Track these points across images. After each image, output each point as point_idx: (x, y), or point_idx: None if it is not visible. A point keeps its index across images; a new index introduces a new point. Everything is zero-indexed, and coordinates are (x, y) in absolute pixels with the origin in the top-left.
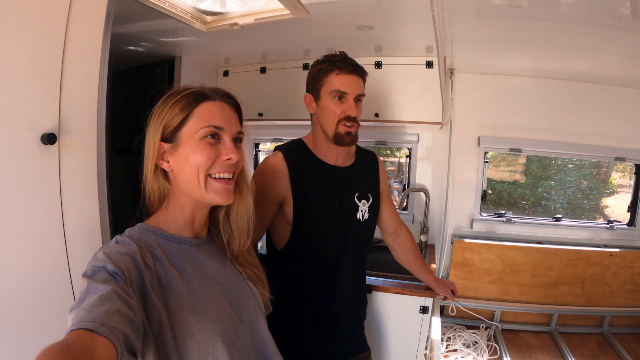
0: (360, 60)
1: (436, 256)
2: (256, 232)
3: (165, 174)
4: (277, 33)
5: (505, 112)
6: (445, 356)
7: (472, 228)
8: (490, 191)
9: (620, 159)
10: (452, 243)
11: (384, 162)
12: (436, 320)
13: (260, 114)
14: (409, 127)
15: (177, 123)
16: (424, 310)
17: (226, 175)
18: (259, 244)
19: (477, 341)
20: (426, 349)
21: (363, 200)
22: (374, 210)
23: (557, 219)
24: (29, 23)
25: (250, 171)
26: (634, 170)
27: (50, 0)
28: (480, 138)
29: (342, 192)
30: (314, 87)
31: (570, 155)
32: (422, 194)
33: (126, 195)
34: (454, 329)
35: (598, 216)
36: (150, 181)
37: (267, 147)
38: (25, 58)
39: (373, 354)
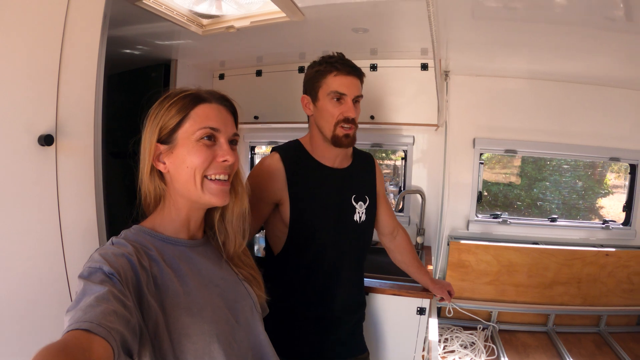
0: (355, 63)
1: (432, 258)
2: (249, 230)
3: (161, 175)
4: (272, 36)
5: (500, 114)
6: (443, 357)
7: (468, 229)
8: (485, 193)
9: (615, 159)
10: (448, 244)
11: (380, 165)
12: (433, 322)
13: (256, 117)
14: (405, 129)
15: (173, 125)
16: (421, 311)
17: (222, 177)
18: (255, 247)
19: (475, 342)
20: (424, 350)
21: (360, 202)
22: (371, 212)
23: (553, 220)
24: (26, 25)
25: (246, 173)
26: (628, 171)
27: (47, 2)
28: (475, 139)
29: (339, 194)
30: (311, 88)
31: (565, 156)
32: (418, 196)
33: (122, 198)
34: (451, 330)
35: (593, 216)
36: (146, 182)
37: (262, 150)
38: (23, 59)
39: (371, 355)
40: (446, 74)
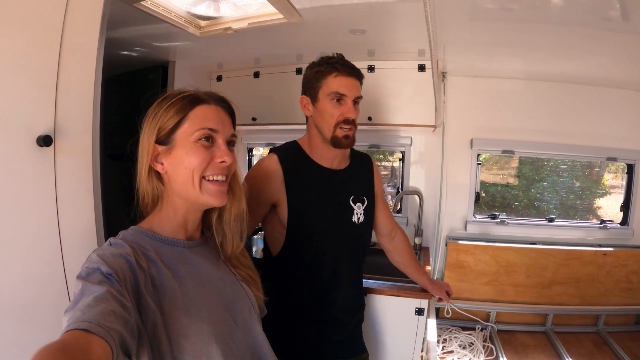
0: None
1: (431, 258)
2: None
3: (159, 176)
4: (270, 37)
5: (498, 115)
6: (442, 358)
7: (466, 230)
8: (483, 194)
9: (612, 159)
10: (446, 245)
11: (377, 166)
12: (432, 322)
13: (254, 119)
14: (402, 130)
15: (172, 125)
16: (419, 312)
17: (220, 178)
18: (254, 249)
19: (473, 342)
20: (422, 350)
21: (358, 203)
22: (370, 212)
23: (551, 220)
24: (25, 26)
25: (243, 174)
26: (625, 170)
27: (46, 3)
28: (473, 140)
29: (337, 195)
30: (310, 89)
31: (563, 156)
32: (416, 197)
33: (120, 200)
34: (450, 331)
35: (591, 216)
36: (144, 183)
37: (260, 152)
38: (22, 60)
39: (370, 356)
40: (443, 75)
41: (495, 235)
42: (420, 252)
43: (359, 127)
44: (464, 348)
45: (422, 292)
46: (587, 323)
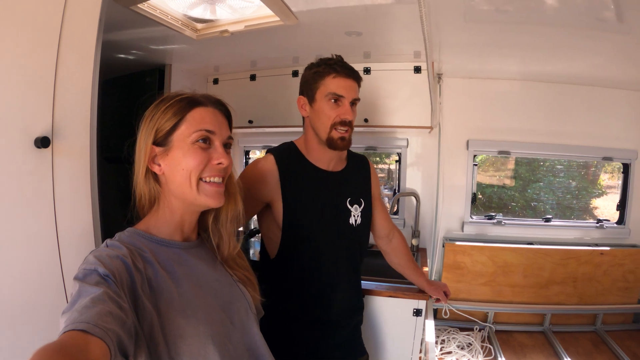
0: None
1: (428, 260)
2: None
3: (156, 177)
4: (266, 40)
5: (494, 116)
6: (440, 358)
7: (463, 231)
8: (480, 195)
9: (608, 159)
10: (443, 246)
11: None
12: (430, 323)
13: (250, 121)
14: (399, 132)
15: (169, 127)
16: (417, 312)
17: (216, 180)
18: (251, 251)
19: (472, 343)
20: (421, 352)
21: (355, 205)
22: (367, 214)
23: (547, 220)
24: (23, 29)
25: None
26: (621, 170)
27: (44, 6)
28: (469, 141)
29: (334, 197)
30: (308, 89)
31: (559, 156)
32: (413, 198)
33: (117, 202)
34: (448, 332)
35: (587, 216)
36: (141, 184)
37: (257, 155)
38: (20, 62)
39: (369, 358)
40: (439, 76)
41: (492, 236)
42: (418, 254)
43: (356, 129)
44: (462, 349)
45: (420, 293)
46: (584, 322)
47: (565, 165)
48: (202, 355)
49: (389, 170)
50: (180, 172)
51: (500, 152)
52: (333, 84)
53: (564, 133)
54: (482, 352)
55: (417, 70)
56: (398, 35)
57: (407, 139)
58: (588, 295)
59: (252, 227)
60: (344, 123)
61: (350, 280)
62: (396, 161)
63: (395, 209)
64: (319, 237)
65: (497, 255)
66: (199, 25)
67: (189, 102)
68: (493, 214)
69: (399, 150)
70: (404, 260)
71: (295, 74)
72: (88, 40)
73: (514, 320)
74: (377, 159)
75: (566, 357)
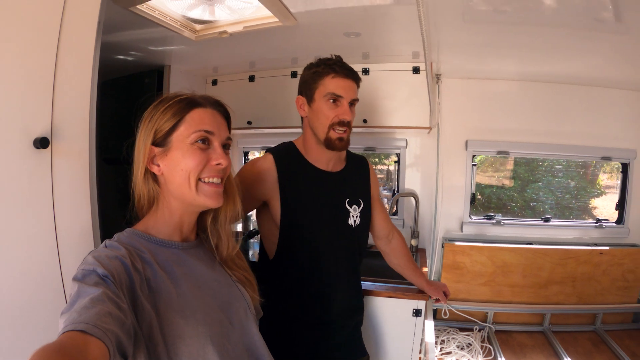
0: None
1: (427, 260)
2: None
3: (155, 177)
4: (265, 41)
5: (492, 116)
6: (440, 359)
7: (462, 231)
8: (479, 195)
9: (607, 159)
10: (442, 246)
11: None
12: (429, 323)
13: (249, 122)
14: (398, 133)
15: (168, 128)
16: (417, 313)
17: (215, 180)
18: (250, 252)
19: (471, 343)
20: (420, 352)
21: (354, 206)
22: (366, 215)
23: (546, 220)
24: (22, 30)
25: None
26: (620, 169)
27: (43, 7)
28: (467, 142)
29: (333, 198)
30: (307, 89)
31: (558, 156)
32: (412, 199)
33: (115, 203)
34: (448, 332)
35: (586, 216)
36: (140, 184)
37: (255, 156)
38: (20, 63)
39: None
40: (437, 77)
41: (491, 236)
42: (417, 254)
43: (354, 129)
44: (462, 349)
45: (420, 294)
46: (584, 322)
47: (564, 165)
48: (201, 356)
49: (388, 171)
50: (179, 173)
51: (499, 153)
52: (332, 84)
53: (563, 133)
54: (481, 352)
55: (416, 70)
56: (397, 35)
57: (406, 140)
58: (587, 295)
59: (252, 228)
60: (342, 123)
61: (350, 281)
62: (395, 162)
63: (394, 210)
64: (318, 237)
65: (497, 256)
66: (198, 26)
67: (188, 103)
68: (492, 214)
69: (397, 151)
70: (403, 261)
71: (294, 75)
72: (87, 42)
73: (514, 320)
74: (376, 159)
75: (566, 357)
